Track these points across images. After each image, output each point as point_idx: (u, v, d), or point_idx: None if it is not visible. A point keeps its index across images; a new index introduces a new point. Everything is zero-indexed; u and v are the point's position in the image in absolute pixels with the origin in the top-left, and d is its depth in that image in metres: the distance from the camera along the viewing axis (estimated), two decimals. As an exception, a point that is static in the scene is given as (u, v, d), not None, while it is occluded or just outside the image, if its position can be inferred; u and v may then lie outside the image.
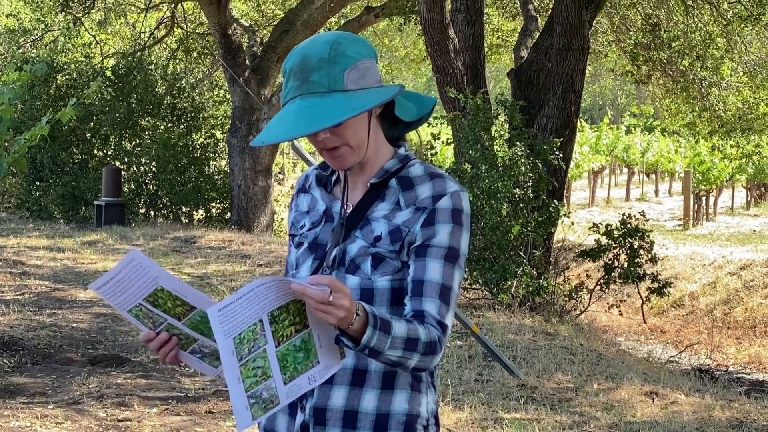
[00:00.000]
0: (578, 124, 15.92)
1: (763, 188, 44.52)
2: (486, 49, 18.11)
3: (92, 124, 23.27)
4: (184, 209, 23.01)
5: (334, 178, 2.95)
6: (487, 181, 12.42)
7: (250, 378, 2.55)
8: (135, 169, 23.57)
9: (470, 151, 12.87)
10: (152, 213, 23.30)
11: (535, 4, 18.39)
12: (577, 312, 13.79)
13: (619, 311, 14.20)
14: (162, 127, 23.45)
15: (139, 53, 25.65)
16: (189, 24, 27.49)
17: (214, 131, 24.40)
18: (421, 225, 2.78)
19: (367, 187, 2.87)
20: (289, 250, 3.02)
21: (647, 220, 13.83)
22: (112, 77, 23.48)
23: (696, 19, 20.53)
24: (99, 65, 25.47)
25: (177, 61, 27.55)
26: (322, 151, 2.80)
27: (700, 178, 34.07)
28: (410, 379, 2.82)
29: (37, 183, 23.11)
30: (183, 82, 24.28)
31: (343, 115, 2.66)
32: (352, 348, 2.59)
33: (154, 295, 2.68)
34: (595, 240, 13.69)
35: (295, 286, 2.48)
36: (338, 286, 2.48)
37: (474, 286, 13.38)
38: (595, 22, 16.12)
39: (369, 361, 2.78)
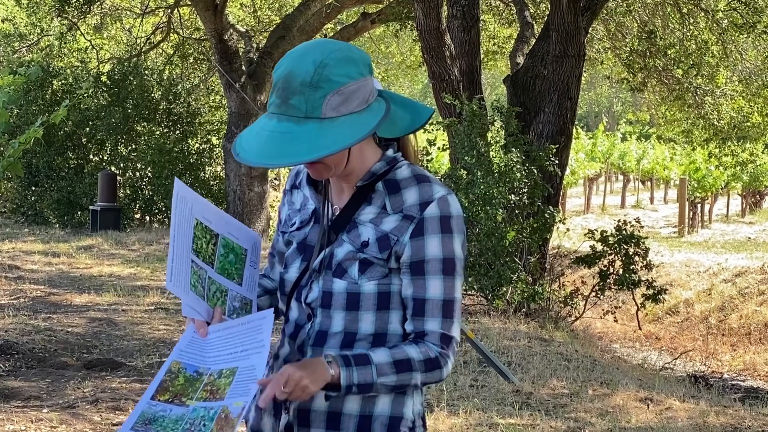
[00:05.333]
0: (574, 130, 15.92)
1: (758, 196, 44.59)
2: (482, 56, 18.11)
3: (88, 129, 23.26)
4: (179, 214, 22.96)
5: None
6: (482, 187, 12.42)
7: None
8: (131, 174, 23.57)
9: (466, 158, 12.87)
10: (148, 218, 23.29)
11: (532, 11, 18.40)
12: (573, 318, 13.79)
13: (614, 318, 14.20)
14: (158, 133, 23.44)
15: (135, 58, 25.63)
16: (185, 29, 27.49)
17: (209, 137, 24.40)
18: (410, 236, 2.77)
19: (353, 190, 2.86)
20: (276, 239, 3.07)
21: (642, 227, 13.84)
22: (108, 82, 23.48)
23: (691, 27, 20.54)
24: (95, 70, 25.46)
25: (173, 66, 27.55)
26: None
27: (696, 185, 34.08)
28: None
29: (33, 188, 23.10)
30: (179, 87, 24.27)
31: (308, 155, 2.64)
32: (341, 395, 2.74)
33: (195, 237, 2.84)
34: (590, 246, 13.69)
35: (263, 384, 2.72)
36: (289, 377, 2.67)
37: (469, 292, 13.38)
38: (591, 29, 16.14)
39: None
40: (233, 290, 2.91)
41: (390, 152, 2.87)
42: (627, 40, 21.21)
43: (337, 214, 2.88)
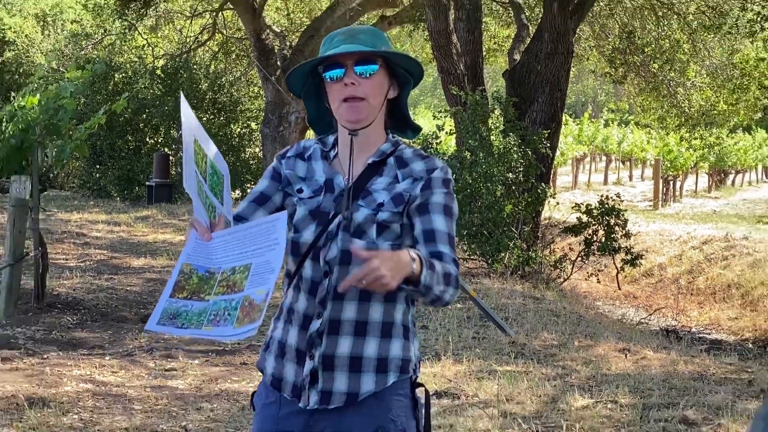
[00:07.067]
0: (563, 118, 15.84)
1: (722, 174, 44.37)
2: (484, 53, 18.01)
3: (145, 115, 23.28)
4: (223, 189, 22.97)
5: (333, 153, 2.93)
6: (484, 166, 12.38)
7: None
8: (182, 155, 23.54)
9: (470, 141, 12.83)
10: (196, 193, 23.29)
11: (527, 14, 18.26)
12: (561, 280, 13.76)
13: (597, 279, 14.17)
14: (204, 119, 23.43)
15: (185, 55, 25.59)
16: (228, 30, 27.41)
17: (249, 122, 24.40)
18: (420, 189, 2.83)
19: (365, 166, 2.87)
20: (260, 186, 2.95)
21: (622, 201, 13.78)
22: (162, 75, 23.46)
23: (666, 28, 20.42)
24: (150, 65, 25.44)
25: (218, 61, 27.49)
26: (342, 103, 2.81)
27: (669, 165, 33.88)
28: (402, 329, 2.85)
29: (97, 166, 23.15)
30: (223, 80, 24.26)
31: (382, 47, 2.81)
32: (414, 290, 2.62)
33: (195, 152, 2.71)
34: (576, 218, 13.65)
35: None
36: (371, 271, 2.49)
37: (472, 257, 13.36)
38: (578, 29, 16.02)
39: (369, 314, 2.79)
40: (218, 208, 2.75)
41: (392, 137, 2.95)
42: (609, 39, 21.07)
43: (350, 185, 2.86)
